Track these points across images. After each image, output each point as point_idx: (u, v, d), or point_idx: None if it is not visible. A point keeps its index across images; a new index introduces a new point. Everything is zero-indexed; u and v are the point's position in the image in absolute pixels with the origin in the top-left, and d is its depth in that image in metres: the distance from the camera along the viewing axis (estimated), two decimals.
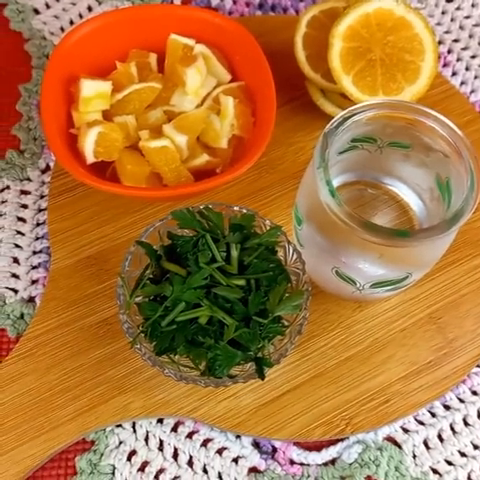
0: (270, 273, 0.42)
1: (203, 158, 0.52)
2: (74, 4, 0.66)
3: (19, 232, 0.54)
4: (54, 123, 0.50)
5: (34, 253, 0.54)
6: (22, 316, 0.51)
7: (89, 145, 0.50)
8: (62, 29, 0.64)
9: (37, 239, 0.54)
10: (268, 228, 0.45)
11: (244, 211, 0.45)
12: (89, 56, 0.54)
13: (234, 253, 0.42)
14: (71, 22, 0.65)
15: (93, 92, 0.51)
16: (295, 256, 0.44)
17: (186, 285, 0.40)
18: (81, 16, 0.65)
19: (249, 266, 0.42)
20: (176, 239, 0.43)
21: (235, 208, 0.45)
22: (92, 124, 0.50)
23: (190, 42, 0.54)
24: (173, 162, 0.50)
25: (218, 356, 0.40)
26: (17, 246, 0.54)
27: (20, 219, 0.55)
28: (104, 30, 0.54)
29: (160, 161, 0.50)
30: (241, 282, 0.42)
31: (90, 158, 0.50)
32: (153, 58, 0.56)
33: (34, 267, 0.53)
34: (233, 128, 0.53)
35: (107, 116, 0.53)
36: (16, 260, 0.53)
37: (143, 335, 0.42)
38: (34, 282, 0.53)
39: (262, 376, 0.41)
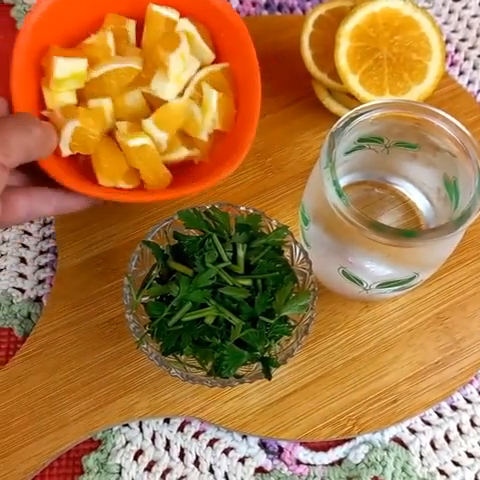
0: (276, 273, 0.42)
1: (182, 152, 0.49)
2: None
3: (26, 232, 0.55)
4: (24, 102, 0.47)
5: (41, 253, 0.54)
6: (29, 316, 0.51)
7: (65, 138, 0.46)
8: None
9: (44, 239, 0.54)
10: (274, 228, 0.44)
11: (250, 211, 0.45)
12: (62, 22, 0.49)
13: (240, 253, 0.42)
14: None
15: (67, 72, 0.47)
16: (302, 256, 0.44)
17: (193, 285, 0.40)
18: None
19: (255, 266, 0.42)
20: (183, 239, 0.43)
21: (241, 208, 0.45)
22: (67, 113, 0.47)
23: (173, 15, 0.50)
24: (153, 161, 0.48)
25: (225, 356, 0.40)
26: (24, 246, 0.54)
27: None
28: None
29: (139, 160, 0.47)
30: (247, 282, 0.42)
31: (66, 151, 0.47)
32: (131, 26, 0.51)
33: (41, 267, 0.53)
34: (214, 123, 0.50)
35: (81, 95, 0.49)
36: (23, 260, 0.54)
37: (149, 335, 0.42)
38: (41, 282, 0.53)
39: (269, 376, 0.41)
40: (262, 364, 0.42)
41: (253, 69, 0.50)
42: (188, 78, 0.51)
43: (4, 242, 0.54)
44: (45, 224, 0.55)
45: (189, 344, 0.40)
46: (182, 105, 0.49)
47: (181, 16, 0.51)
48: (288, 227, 0.44)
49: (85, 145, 0.47)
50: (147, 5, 0.51)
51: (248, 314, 0.41)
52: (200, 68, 0.51)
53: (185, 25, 0.51)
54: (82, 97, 0.49)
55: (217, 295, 0.41)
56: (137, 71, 0.49)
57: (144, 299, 0.43)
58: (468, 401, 0.49)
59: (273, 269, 0.42)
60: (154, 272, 0.43)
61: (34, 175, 0.45)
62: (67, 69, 0.47)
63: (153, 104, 0.49)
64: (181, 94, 0.50)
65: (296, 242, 0.44)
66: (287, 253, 0.45)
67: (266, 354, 0.42)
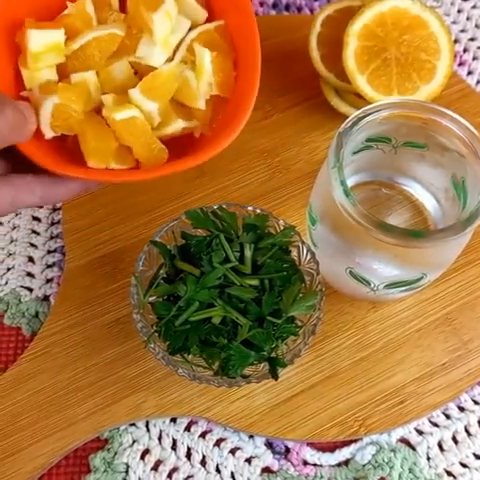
0: (284, 273, 0.42)
1: (178, 124, 0.44)
2: None
3: (34, 231, 0.55)
4: (1, 84, 0.42)
5: (49, 252, 0.54)
6: (37, 315, 0.51)
7: (45, 118, 0.41)
8: None
9: (52, 238, 0.55)
10: (282, 228, 0.44)
11: (258, 211, 0.45)
12: None
13: (248, 253, 0.42)
14: None
15: (43, 45, 0.42)
16: (309, 256, 0.44)
17: (200, 285, 0.40)
18: None
19: (263, 266, 0.42)
20: (190, 239, 0.43)
21: (249, 208, 0.45)
22: (46, 89, 0.42)
23: None
24: (143, 134, 0.43)
25: (232, 356, 0.40)
26: (32, 245, 0.54)
27: (35, 218, 0.55)
28: None
29: (129, 135, 0.42)
30: (255, 282, 0.42)
31: (48, 133, 0.42)
32: None
33: (49, 266, 0.54)
34: (211, 87, 0.45)
35: (62, 70, 0.44)
36: (31, 259, 0.54)
37: (157, 334, 0.42)
38: (49, 281, 0.53)
39: (276, 376, 0.41)
40: (269, 364, 0.42)
41: (251, 25, 0.45)
42: (178, 41, 0.45)
43: (12, 241, 0.54)
44: (53, 223, 0.55)
45: (196, 344, 0.40)
46: (172, 70, 0.44)
47: None
48: (295, 227, 0.44)
49: (68, 124, 0.42)
50: None
51: (255, 314, 0.41)
52: (191, 29, 0.46)
53: None
54: (64, 74, 0.44)
55: (224, 295, 0.41)
56: (120, 37, 0.44)
57: (151, 299, 0.43)
58: (476, 402, 0.49)
59: (280, 269, 0.42)
60: (161, 272, 0.43)
61: (16, 162, 0.41)
62: (42, 41, 0.42)
63: (143, 74, 0.44)
64: (171, 59, 0.45)
65: (303, 242, 0.44)
66: (294, 253, 0.45)
67: (273, 354, 0.42)
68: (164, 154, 0.43)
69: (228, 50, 0.46)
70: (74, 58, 0.43)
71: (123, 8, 0.46)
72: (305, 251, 0.44)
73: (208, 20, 0.47)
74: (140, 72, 0.45)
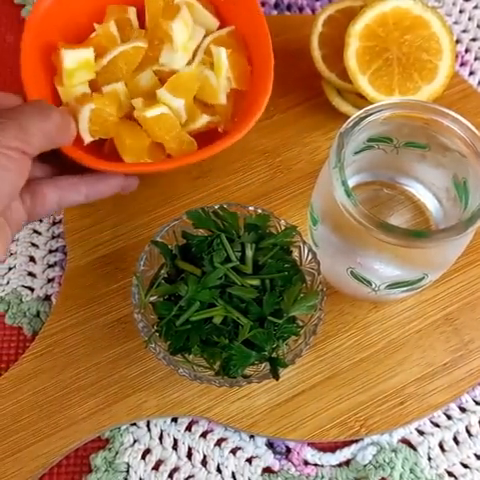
0: (285, 273, 0.42)
1: (203, 119, 0.49)
2: None
3: (35, 231, 0.55)
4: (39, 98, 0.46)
5: (50, 252, 0.54)
6: (38, 314, 0.51)
7: (83, 124, 0.47)
8: None
9: (53, 238, 0.55)
10: (283, 228, 0.44)
11: (259, 211, 0.45)
12: (65, 19, 0.50)
13: (249, 253, 0.42)
14: None
15: (75, 62, 0.48)
16: (310, 256, 0.44)
17: (201, 285, 0.40)
18: None
19: (264, 266, 0.42)
20: (191, 239, 0.43)
21: (250, 208, 0.45)
22: (82, 100, 0.47)
23: None
24: (173, 129, 0.47)
25: (233, 356, 0.40)
26: (33, 245, 0.54)
27: None
28: None
29: (160, 130, 0.47)
30: (256, 282, 0.42)
31: (87, 138, 0.47)
32: (132, 13, 0.52)
33: (50, 266, 0.54)
34: (230, 81, 0.50)
35: (94, 86, 0.49)
36: (32, 259, 0.54)
37: (157, 334, 0.42)
38: (50, 280, 0.53)
39: (277, 376, 0.41)
40: (270, 364, 0.41)
41: (261, 26, 0.49)
42: (195, 46, 0.51)
43: (14, 241, 0.54)
44: (54, 223, 0.55)
45: (197, 344, 0.40)
46: (193, 71, 0.49)
47: None
48: (297, 227, 0.44)
49: (104, 127, 0.47)
50: None
51: (256, 314, 0.41)
52: (205, 36, 0.51)
53: None
54: (96, 87, 0.49)
55: (225, 295, 0.41)
56: (144, 49, 0.49)
57: (152, 298, 0.43)
58: (477, 403, 0.49)
59: (281, 269, 0.42)
60: (162, 272, 0.43)
61: (59, 166, 0.45)
62: (75, 59, 0.47)
63: (166, 80, 0.49)
64: (191, 63, 0.50)
65: (304, 242, 0.44)
66: (295, 253, 0.45)
67: (274, 354, 0.42)
68: (193, 146, 0.48)
69: (241, 49, 0.50)
70: (104, 73, 0.49)
71: (142, 26, 0.52)
72: (306, 251, 0.44)
73: (220, 27, 0.52)
74: (164, 79, 0.49)
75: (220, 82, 0.49)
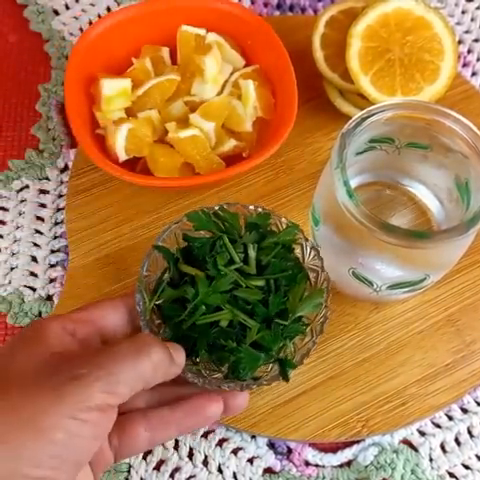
0: (289, 272, 0.41)
1: (231, 143, 0.53)
2: (93, 5, 0.66)
3: (38, 231, 0.55)
4: (81, 125, 0.51)
5: (52, 252, 0.54)
6: (40, 314, 0.51)
7: (120, 142, 0.51)
8: (81, 30, 0.65)
9: (55, 238, 0.55)
10: (284, 226, 0.44)
11: (259, 210, 0.44)
12: (104, 54, 0.55)
13: (252, 253, 0.41)
14: (90, 23, 0.65)
15: (114, 91, 0.52)
16: (313, 253, 0.44)
17: (212, 289, 0.40)
18: (100, 17, 0.66)
19: (267, 266, 0.42)
20: (193, 241, 0.42)
21: (250, 207, 0.44)
22: (120, 122, 0.51)
23: (201, 32, 0.56)
24: (204, 150, 0.51)
25: (242, 359, 0.39)
26: (35, 245, 0.54)
27: (39, 218, 0.56)
28: (116, 28, 0.55)
29: (192, 150, 0.51)
30: (260, 283, 0.41)
31: (122, 156, 0.51)
32: (166, 52, 0.57)
33: (52, 265, 0.54)
34: (256, 111, 0.54)
35: (129, 113, 0.53)
36: (34, 259, 0.54)
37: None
38: (52, 280, 0.53)
39: (286, 378, 0.40)
40: (279, 366, 0.41)
41: (286, 64, 0.53)
42: (223, 81, 0.55)
43: (16, 241, 0.54)
44: (56, 223, 0.55)
45: (204, 348, 0.40)
46: (223, 99, 0.54)
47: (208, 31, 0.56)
48: (298, 225, 0.44)
49: (139, 147, 0.51)
50: (176, 30, 0.56)
51: (262, 315, 0.40)
52: (233, 72, 0.56)
53: (213, 37, 0.56)
54: (131, 114, 0.53)
55: (231, 297, 0.40)
56: (177, 81, 0.53)
57: (157, 303, 0.42)
58: (479, 404, 0.49)
59: (285, 268, 0.41)
60: (165, 276, 0.42)
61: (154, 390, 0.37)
62: (113, 87, 0.52)
63: (196, 110, 0.53)
64: (219, 94, 0.55)
65: (307, 239, 0.44)
66: (298, 251, 0.44)
67: (282, 355, 0.41)
68: (222, 167, 0.52)
69: (265, 83, 0.55)
70: (139, 101, 0.53)
71: (173, 64, 0.57)
72: (309, 249, 0.44)
73: (245, 66, 0.57)
74: (194, 109, 0.54)
75: (247, 111, 0.54)
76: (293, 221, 0.44)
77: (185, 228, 0.44)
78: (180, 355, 0.38)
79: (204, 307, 0.40)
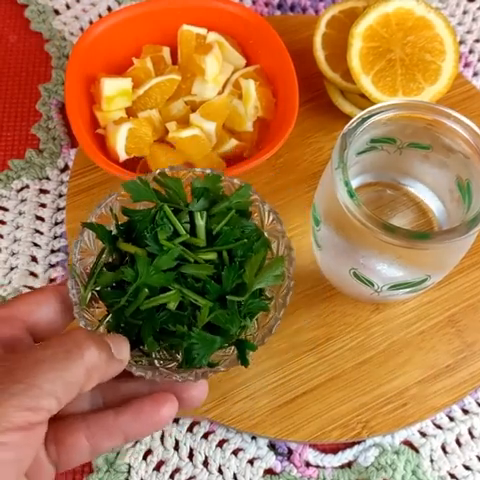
0: (244, 240, 0.36)
1: (232, 143, 0.53)
2: (94, 5, 0.66)
3: (38, 231, 0.55)
4: (82, 124, 0.51)
5: (52, 252, 0.54)
6: None
7: (120, 142, 0.50)
8: (82, 30, 0.65)
9: (55, 238, 0.55)
10: (237, 187, 0.38)
11: (207, 172, 0.38)
12: (105, 54, 0.55)
13: (200, 222, 0.36)
14: (91, 23, 0.65)
15: (115, 90, 0.52)
16: (271, 217, 0.38)
17: (153, 268, 0.34)
18: (100, 17, 0.66)
19: (219, 236, 0.36)
20: (132, 215, 0.36)
21: (197, 170, 0.39)
22: (120, 121, 0.51)
23: (202, 31, 0.56)
24: (205, 149, 0.51)
25: (194, 345, 0.34)
26: (35, 245, 0.54)
27: (39, 218, 0.56)
28: (117, 28, 0.55)
29: (193, 150, 0.51)
30: (211, 256, 0.36)
31: (123, 155, 0.51)
32: (166, 52, 0.57)
33: (52, 266, 0.54)
34: (257, 110, 0.54)
35: (130, 113, 0.53)
36: (34, 258, 0.54)
37: (106, 330, 0.36)
38: (52, 281, 0.53)
39: (245, 362, 0.35)
40: (237, 348, 0.36)
41: (287, 63, 0.53)
42: (224, 80, 0.55)
43: (16, 241, 0.54)
44: (56, 223, 0.55)
45: (151, 335, 0.35)
46: (224, 99, 0.53)
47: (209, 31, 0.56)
48: (251, 185, 0.38)
49: (140, 146, 0.51)
50: (178, 29, 0.56)
51: (216, 293, 0.35)
52: (234, 72, 0.56)
53: (214, 36, 0.56)
54: (132, 114, 0.53)
55: (178, 275, 0.35)
56: (177, 81, 0.53)
57: (96, 289, 0.37)
58: None
59: (240, 237, 0.36)
60: (103, 258, 0.36)
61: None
62: (114, 87, 0.52)
63: (196, 109, 0.53)
64: (220, 94, 0.55)
65: (264, 202, 0.38)
66: (255, 215, 0.39)
67: (242, 335, 0.37)
68: (222, 166, 0.52)
69: (266, 83, 0.55)
70: (139, 101, 0.53)
71: (174, 62, 0.57)
72: (267, 211, 0.39)
73: (246, 66, 0.57)
74: (194, 109, 0.53)
75: (247, 111, 0.54)
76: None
77: (124, 200, 0.38)
78: (123, 348, 0.33)
79: (147, 289, 0.34)
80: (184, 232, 0.36)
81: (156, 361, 0.36)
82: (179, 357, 0.36)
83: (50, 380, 0.28)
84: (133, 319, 0.35)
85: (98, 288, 0.36)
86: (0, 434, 0.26)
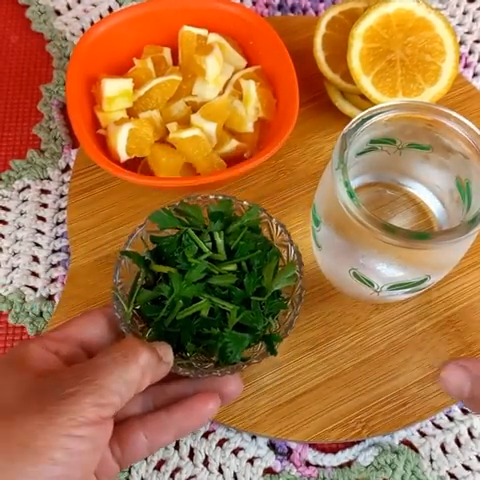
0: (259, 251, 0.42)
1: (232, 144, 0.53)
2: (95, 6, 0.67)
3: (39, 231, 0.55)
4: (83, 125, 0.51)
5: (53, 252, 0.54)
6: (41, 314, 0.52)
7: (121, 142, 0.51)
8: (83, 30, 0.65)
9: (57, 238, 0.55)
10: (247, 209, 0.45)
11: (220, 198, 0.45)
12: (106, 55, 0.55)
13: (219, 240, 0.42)
14: (92, 23, 0.65)
15: (115, 91, 0.52)
16: (280, 229, 0.44)
17: (185, 282, 0.40)
18: (101, 17, 0.66)
19: (236, 250, 0.42)
20: (160, 241, 0.43)
21: (211, 197, 0.45)
22: (121, 122, 0.51)
23: (203, 32, 0.56)
24: (205, 150, 0.52)
25: (227, 343, 0.40)
26: (37, 245, 0.55)
27: (40, 218, 0.56)
28: (118, 28, 0.55)
29: (193, 151, 0.51)
30: (232, 267, 0.42)
31: (123, 156, 0.51)
32: (167, 52, 0.57)
33: (53, 265, 0.54)
34: (258, 111, 0.54)
35: (131, 113, 0.53)
36: (36, 258, 0.54)
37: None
38: (53, 280, 0.53)
39: (274, 352, 0.41)
40: (265, 342, 0.42)
41: (287, 64, 0.53)
42: (225, 81, 0.55)
43: (17, 241, 0.55)
44: (58, 223, 0.55)
45: (190, 340, 0.40)
46: (224, 100, 0.54)
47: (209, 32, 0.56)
48: (259, 205, 0.44)
49: (141, 147, 0.51)
50: (178, 30, 0.56)
51: (240, 298, 0.41)
52: (234, 73, 0.56)
53: (214, 37, 0.56)
54: (133, 115, 0.53)
55: (206, 286, 0.41)
56: (178, 81, 0.53)
57: (137, 308, 0.43)
58: None
59: (254, 248, 0.42)
60: (139, 280, 0.43)
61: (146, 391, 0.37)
62: (115, 88, 0.52)
63: (197, 110, 0.54)
64: (221, 95, 0.55)
65: (271, 217, 0.45)
66: (265, 230, 0.45)
67: (267, 332, 0.42)
68: (223, 167, 0.52)
69: (267, 84, 0.55)
70: (140, 102, 0.53)
71: (175, 63, 0.57)
72: (275, 225, 0.45)
73: (246, 67, 0.57)
74: (195, 109, 0.54)
75: (248, 112, 0.54)
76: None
77: (151, 229, 0.44)
78: (168, 353, 0.38)
79: (181, 301, 0.40)
80: (207, 250, 0.42)
81: (194, 363, 0.41)
82: (214, 358, 0.42)
83: (114, 380, 0.33)
84: (172, 328, 0.40)
85: (138, 306, 0.42)
86: (78, 428, 0.31)
